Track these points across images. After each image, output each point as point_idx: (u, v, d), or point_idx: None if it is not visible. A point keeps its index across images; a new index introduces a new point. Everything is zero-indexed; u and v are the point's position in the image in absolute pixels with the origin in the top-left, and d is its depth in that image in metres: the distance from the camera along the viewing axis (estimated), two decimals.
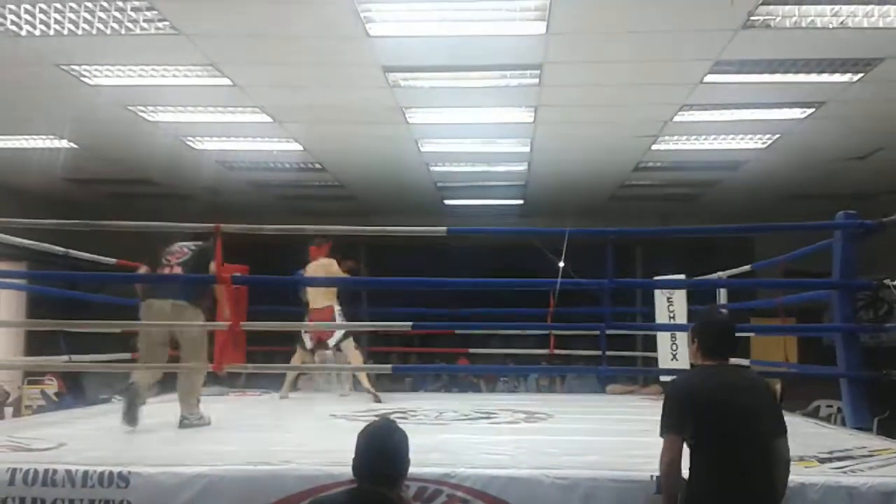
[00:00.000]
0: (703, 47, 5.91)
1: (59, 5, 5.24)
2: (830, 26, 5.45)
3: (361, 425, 3.02)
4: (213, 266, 5.40)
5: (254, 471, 3.61)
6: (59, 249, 6.51)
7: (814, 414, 8.19)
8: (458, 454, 4.02)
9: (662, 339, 7.49)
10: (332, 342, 7.30)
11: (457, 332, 9.02)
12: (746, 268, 7.35)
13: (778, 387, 7.58)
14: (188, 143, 8.62)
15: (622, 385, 9.03)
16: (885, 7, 5.20)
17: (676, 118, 7.56)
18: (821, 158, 9.03)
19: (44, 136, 8.51)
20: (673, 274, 7.50)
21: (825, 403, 8.48)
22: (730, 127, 7.92)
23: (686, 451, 3.16)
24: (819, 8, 5.23)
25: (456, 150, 8.99)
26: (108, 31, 5.60)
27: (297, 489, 3.51)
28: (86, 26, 5.53)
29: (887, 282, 5.28)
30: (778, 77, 6.44)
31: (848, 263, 5.39)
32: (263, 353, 7.88)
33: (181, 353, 5.55)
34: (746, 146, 8.59)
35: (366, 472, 2.88)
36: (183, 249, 5.65)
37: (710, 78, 6.47)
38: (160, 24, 5.51)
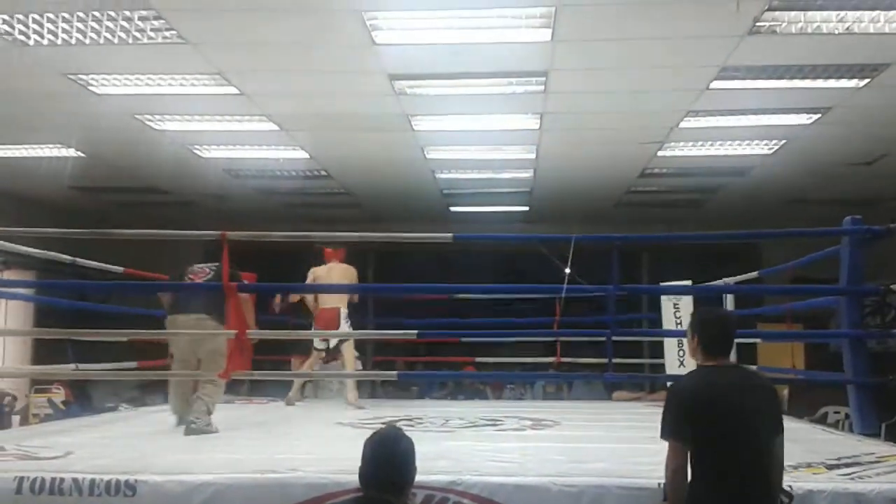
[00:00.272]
0: (709, 53, 5.91)
1: (66, 15, 5.27)
2: (836, 32, 5.44)
3: (368, 433, 3.03)
4: (240, 294, 5.60)
5: (261, 479, 3.61)
6: (67, 258, 6.54)
7: (821, 420, 8.14)
8: (465, 461, 4.02)
9: (669, 345, 7.48)
10: (332, 341, 7.33)
11: (462, 339, 9.02)
12: (753, 274, 7.34)
13: (785, 393, 7.57)
14: (195, 151, 8.65)
15: (629, 392, 9.02)
16: (891, 13, 5.20)
17: (682, 124, 7.56)
18: (827, 164, 9.01)
19: (51, 145, 8.54)
20: (680, 280, 7.50)
21: (833, 410, 8.43)
22: (736, 133, 7.91)
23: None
24: (825, 14, 5.22)
25: (462, 157, 9.00)
26: (116, 41, 5.63)
27: (303, 497, 3.51)
28: (93, 35, 5.56)
29: (895, 287, 5.27)
30: (784, 83, 6.43)
31: (855, 269, 5.38)
32: (271, 361, 7.89)
33: (202, 367, 5.71)
34: (753, 152, 8.57)
35: (372, 479, 2.88)
36: (205, 269, 5.83)
37: (716, 84, 6.46)
38: (167, 34, 5.54)
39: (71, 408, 9.11)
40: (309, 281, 7.53)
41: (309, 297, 7.64)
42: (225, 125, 7.70)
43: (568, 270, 5.47)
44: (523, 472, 3.73)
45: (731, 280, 7.64)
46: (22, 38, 5.61)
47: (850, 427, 5.40)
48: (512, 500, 3.51)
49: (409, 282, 7.56)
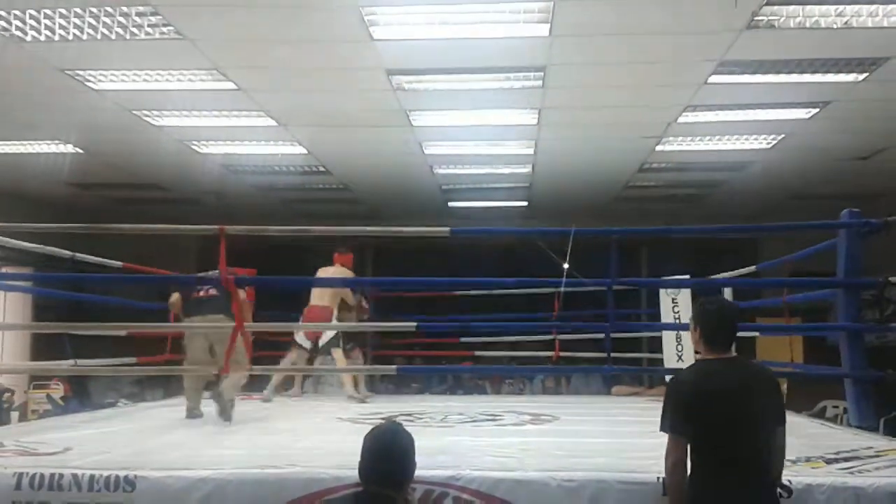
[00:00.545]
0: (708, 48, 5.91)
1: (63, 10, 5.26)
2: (835, 26, 5.44)
3: (367, 428, 3.03)
4: (242, 293, 5.84)
5: (260, 474, 3.61)
6: (66, 253, 6.53)
7: (820, 415, 8.17)
8: (465, 456, 4.01)
9: (668, 340, 7.48)
10: (321, 342, 7.34)
11: (462, 339, 9.07)
12: (751, 269, 7.34)
13: (784, 387, 7.56)
14: (193, 147, 8.64)
15: (628, 386, 9.02)
16: (890, 6, 5.19)
17: (681, 119, 7.55)
18: (826, 159, 9.01)
19: (49, 141, 8.53)
20: (678, 275, 7.50)
21: (831, 404, 8.45)
22: (734, 127, 7.91)
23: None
24: (823, 8, 5.22)
25: (460, 153, 8.99)
26: (113, 36, 5.62)
27: (303, 492, 3.51)
28: (90, 31, 5.55)
29: (893, 280, 5.26)
30: (782, 77, 6.43)
31: (853, 262, 5.38)
32: (269, 357, 7.90)
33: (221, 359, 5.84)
34: (751, 147, 8.57)
35: (372, 474, 2.88)
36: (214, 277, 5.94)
37: (714, 79, 6.46)
38: (164, 29, 5.53)
39: (70, 403, 9.11)
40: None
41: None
42: (223, 121, 7.69)
43: (566, 265, 5.47)
44: (523, 467, 3.73)
45: (729, 274, 7.65)
46: (19, 33, 5.60)
47: (849, 421, 5.40)
48: (511, 494, 3.51)
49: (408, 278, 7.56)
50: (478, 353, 9.22)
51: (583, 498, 3.49)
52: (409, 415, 6.12)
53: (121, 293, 9.12)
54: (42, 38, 5.65)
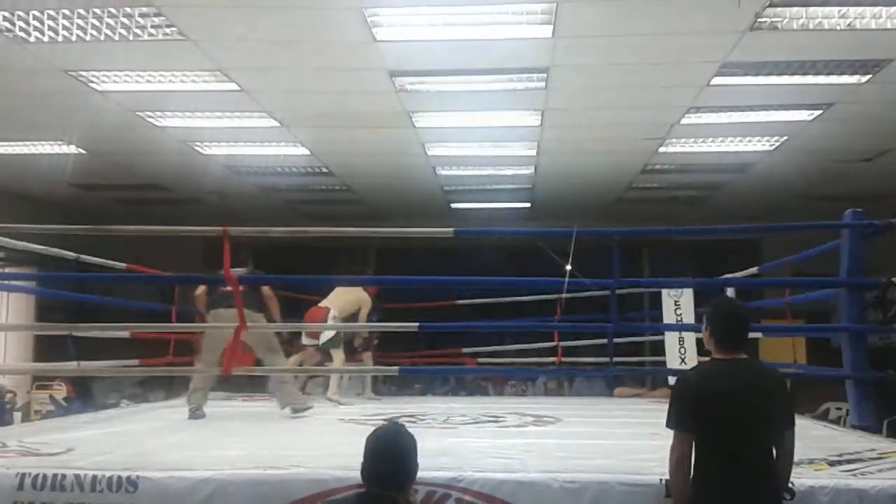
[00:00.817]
0: (711, 49, 5.90)
1: (67, 12, 5.27)
2: (838, 28, 5.43)
3: (370, 429, 3.03)
4: (265, 289, 6.22)
5: (262, 475, 3.61)
6: (70, 254, 6.53)
7: (823, 416, 8.15)
8: (467, 458, 4.01)
9: (670, 342, 7.47)
10: (321, 340, 7.35)
11: (465, 350, 9.08)
12: (753, 270, 7.33)
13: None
14: (196, 148, 8.64)
15: (630, 388, 9.02)
16: (893, 8, 5.18)
17: (684, 121, 7.55)
18: (829, 160, 9.00)
19: (52, 142, 8.54)
20: (680, 277, 7.50)
21: (834, 406, 8.43)
22: (737, 129, 7.91)
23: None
24: (826, 9, 5.21)
25: (463, 154, 8.99)
26: (116, 38, 5.63)
27: (305, 493, 3.50)
28: (94, 32, 5.56)
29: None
30: (785, 79, 6.42)
31: (856, 263, 5.37)
32: None
33: (258, 354, 6.21)
34: (754, 148, 8.56)
35: (374, 475, 2.88)
36: (238, 272, 6.06)
37: (717, 80, 6.45)
38: (168, 30, 5.53)
39: (72, 404, 9.12)
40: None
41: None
42: (226, 122, 7.70)
43: (569, 266, 5.46)
44: (525, 469, 3.72)
45: (731, 276, 7.64)
46: (23, 34, 5.61)
47: (851, 423, 5.39)
48: (514, 496, 3.50)
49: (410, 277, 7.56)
50: (481, 360, 9.21)
51: (585, 499, 3.48)
52: (412, 416, 6.12)
53: (124, 294, 9.13)
54: (45, 38, 5.66)
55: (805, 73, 6.31)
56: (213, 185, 10.29)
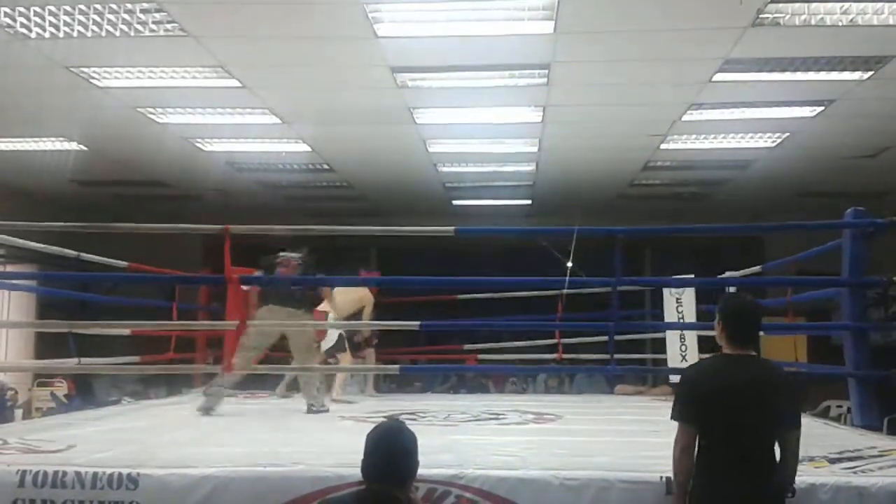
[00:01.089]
0: (713, 46, 5.89)
1: (68, 8, 5.26)
2: (840, 24, 5.42)
3: (370, 426, 3.02)
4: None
5: (263, 472, 3.61)
6: (71, 252, 6.53)
7: (824, 414, 8.14)
8: (468, 455, 4.01)
9: (671, 340, 7.47)
10: (324, 346, 7.28)
11: (466, 347, 9.08)
12: (757, 269, 7.32)
13: None
14: (197, 144, 8.64)
15: (631, 386, 9.02)
16: (895, 4, 5.17)
17: (685, 117, 7.54)
18: (830, 157, 8.99)
19: (53, 138, 8.54)
20: (682, 274, 7.49)
21: (835, 403, 8.43)
22: (739, 126, 7.89)
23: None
24: (828, 5, 5.20)
25: (464, 151, 8.98)
26: (118, 34, 5.62)
27: (306, 490, 3.50)
28: (95, 28, 5.55)
29: None
30: (787, 75, 6.41)
31: (857, 261, 5.36)
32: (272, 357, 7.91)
33: (294, 354, 6.32)
34: (756, 145, 8.56)
35: (374, 473, 2.87)
36: (291, 262, 6.27)
37: (719, 77, 6.44)
38: (169, 26, 5.53)
39: (73, 401, 9.13)
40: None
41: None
42: (227, 118, 7.69)
43: (570, 264, 5.46)
44: (526, 466, 3.72)
45: (733, 275, 7.63)
46: (24, 31, 5.60)
47: (853, 421, 5.39)
48: (514, 493, 3.51)
49: (411, 276, 7.55)
50: (482, 356, 9.21)
51: (585, 497, 3.49)
52: (413, 413, 6.12)
53: (125, 292, 9.13)
54: (47, 35, 5.66)
55: (807, 70, 6.30)
56: (214, 181, 10.29)
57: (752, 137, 8.32)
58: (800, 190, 10.58)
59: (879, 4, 5.17)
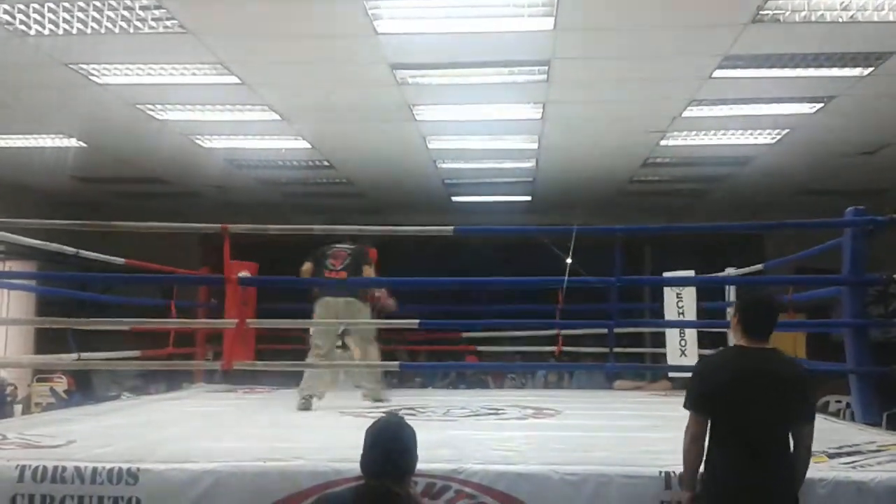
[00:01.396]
0: (712, 42, 5.89)
1: (67, 4, 5.26)
2: (840, 20, 5.42)
3: (369, 422, 3.03)
4: (367, 269, 6.37)
5: (263, 467, 3.62)
6: (70, 249, 6.53)
7: (823, 409, 8.15)
8: (467, 450, 4.02)
9: (671, 335, 7.48)
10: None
11: (464, 334, 9.07)
12: (758, 267, 7.33)
13: None
14: (197, 141, 8.64)
15: (630, 381, 9.02)
16: (895, 1, 5.17)
17: (685, 113, 7.54)
18: (830, 154, 8.98)
19: (52, 135, 8.53)
20: (683, 269, 7.49)
21: (834, 399, 8.44)
22: (739, 122, 7.89)
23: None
24: (829, 2, 5.20)
25: (464, 147, 8.98)
26: (117, 30, 5.61)
27: (305, 485, 3.51)
28: (94, 25, 5.54)
29: None
30: (787, 72, 6.40)
31: (858, 259, 5.37)
32: (273, 350, 7.92)
33: (354, 343, 6.41)
34: (755, 141, 8.55)
35: (373, 468, 2.88)
36: (341, 253, 6.35)
37: (718, 73, 6.44)
38: (168, 23, 5.52)
39: (73, 396, 9.13)
40: None
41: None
42: (226, 115, 7.68)
43: (569, 261, 5.46)
44: (525, 461, 3.73)
45: (733, 271, 7.64)
46: (23, 27, 5.60)
47: (852, 416, 5.40)
48: (514, 488, 3.52)
49: (411, 271, 7.53)
50: (480, 348, 9.22)
51: (585, 491, 3.50)
52: (412, 408, 6.12)
53: (123, 289, 9.13)
54: (46, 31, 5.65)
55: (807, 66, 6.29)
56: (213, 178, 10.29)
57: (751, 134, 8.32)
58: (799, 186, 10.58)
59: (879, 1, 5.17)
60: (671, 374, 8.14)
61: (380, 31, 5.66)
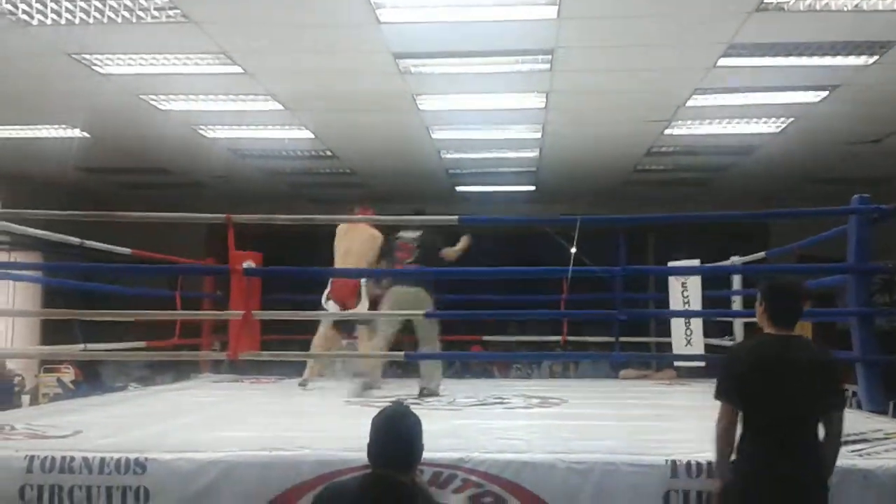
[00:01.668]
0: (717, 31, 5.87)
1: None
2: (845, 8, 5.39)
3: (375, 411, 3.04)
4: (447, 252, 6.33)
5: (269, 456, 3.63)
6: (75, 240, 6.54)
7: None
8: (473, 439, 4.03)
9: (676, 324, 7.48)
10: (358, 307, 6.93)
11: (470, 321, 9.08)
12: (761, 255, 7.32)
13: None
14: (200, 131, 8.64)
15: (635, 370, 9.02)
16: None
17: (689, 102, 7.52)
18: (835, 142, 8.96)
19: (56, 126, 8.54)
20: (687, 258, 7.48)
21: None
22: (743, 111, 7.87)
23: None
24: None
25: (467, 137, 8.97)
26: (119, 20, 5.61)
27: (312, 474, 3.52)
28: (97, 15, 5.54)
29: None
30: (792, 60, 6.38)
31: (863, 247, 5.35)
32: (279, 340, 7.92)
33: (418, 334, 6.35)
34: (760, 130, 8.53)
35: (380, 457, 2.89)
36: (409, 245, 6.35)
37: (723, 62, 6.42)
38: (171, 13, 5.51)
39: (80, 387, 9.15)
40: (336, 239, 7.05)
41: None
42: (230, 105, 7.68)
43: (574, 250, 5.45)
44: (531, 450, 3.74)
45: (738, 259, 7.62)
46: (25, 17, 5.59)
47: (858, 404, 5.40)
48: (519, 477, 3.52)
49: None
50: (486, 337, 9.23)
51: (591, 480, 3.50)
52: (418, 398, 6.13)
53: (129, 280, 9.14)
54: (48, 21, 5.65)
55: (811, 55, 6.27)
56: (217, 168, 10.29)
57: (756, 123, 8.30)
58: (804, 175, 10.56)
59: None
60: (676, 364, 8.15)
61: (382, 20, 5.65)
